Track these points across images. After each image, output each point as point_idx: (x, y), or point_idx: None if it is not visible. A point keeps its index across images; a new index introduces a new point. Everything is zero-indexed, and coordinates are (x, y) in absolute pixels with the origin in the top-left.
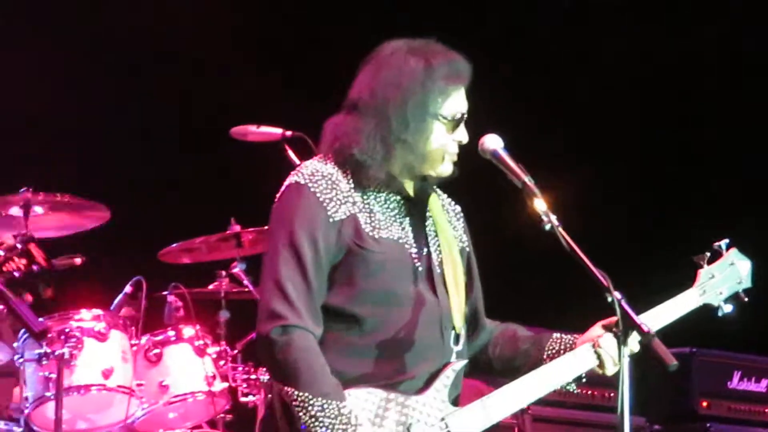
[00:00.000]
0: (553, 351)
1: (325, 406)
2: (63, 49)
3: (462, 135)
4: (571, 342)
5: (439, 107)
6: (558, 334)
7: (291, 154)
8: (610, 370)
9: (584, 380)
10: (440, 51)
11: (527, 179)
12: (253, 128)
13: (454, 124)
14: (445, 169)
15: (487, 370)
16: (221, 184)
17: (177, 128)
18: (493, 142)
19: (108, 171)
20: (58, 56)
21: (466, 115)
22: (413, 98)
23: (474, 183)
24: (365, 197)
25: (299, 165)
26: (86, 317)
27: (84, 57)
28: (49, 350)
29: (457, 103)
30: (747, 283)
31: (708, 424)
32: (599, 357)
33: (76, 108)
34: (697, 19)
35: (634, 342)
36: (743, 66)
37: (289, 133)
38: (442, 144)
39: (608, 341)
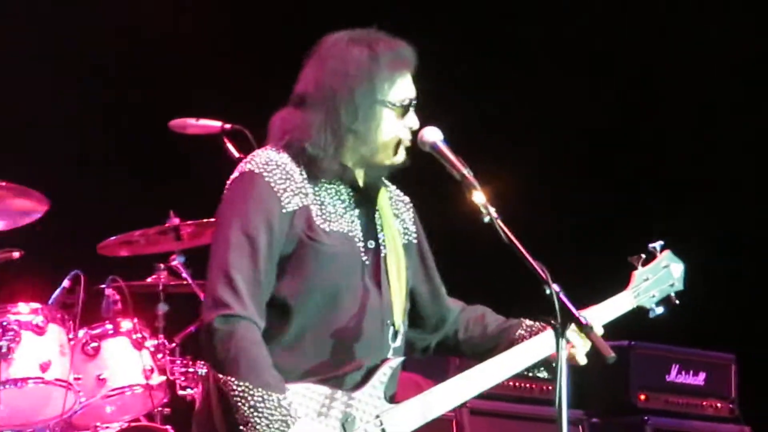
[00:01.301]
0: (522, 338)
1: (266, 397)
2: (5, 36)
3: (413, 121)
4: (538, 329)
5: (387, 94)
6: (529, 322)
7: (230, 147)
8: (581, 357)
9: (527, 383)
10: (383, 38)
11: (466, 172)
12: (192, 121)
13: (403, 110)
14: (398, 157)
15: (456, 353)
16: (160, 177)
17: (115, 120)
18: (432, 134)
19: (45, 163)
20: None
21: (415, 101)
22: (360, 87)
23: (417, 174)
24: (317, 189)
25: (251, 153)
26: (24, 311)
27: (25, 45)
28: None
29: (404, 88)
30: (679, 286)
31: (646, 417)
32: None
33: (13, 98)
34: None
35: (581, 353)
36: (698, 56)
37: (228, 126)
38: (394, 131)
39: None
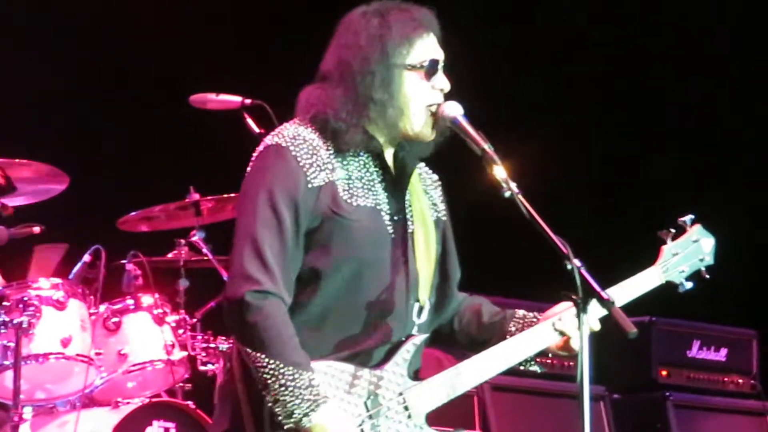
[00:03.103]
0: (516, 329)
1: (296, 376)
2: (22, 16)
3: (441, 82)
4: (533, 320)
5: (405, 57)
6: (522, 312)
7: (250, 122)
8: (576, 345)
9: (548, 359)
10: (395, 6)
11: (487, 146)
12: (212, 96)
13: (427, 71)
14: (424, 126)
15: (450, 342)
16: (180, 153)
17: (136, 96)
18: (452, 109)
19: (66, 139)
20: (17, 23)
21: (441, 62)
22: (374, 54)
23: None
24: (344, 163)
25: (279, 127)
26: (45, 286)
27: (43, 24)
28: (7, 318)
29: (424, 50)
30: (710, 260)
31: (667, 393)
32: (562, 333)
33: (34, 75)
34: None
35: (594, 320)
36: (712, 40)
37: (248, 101)
38: (419, 93)
39: (569, 317)
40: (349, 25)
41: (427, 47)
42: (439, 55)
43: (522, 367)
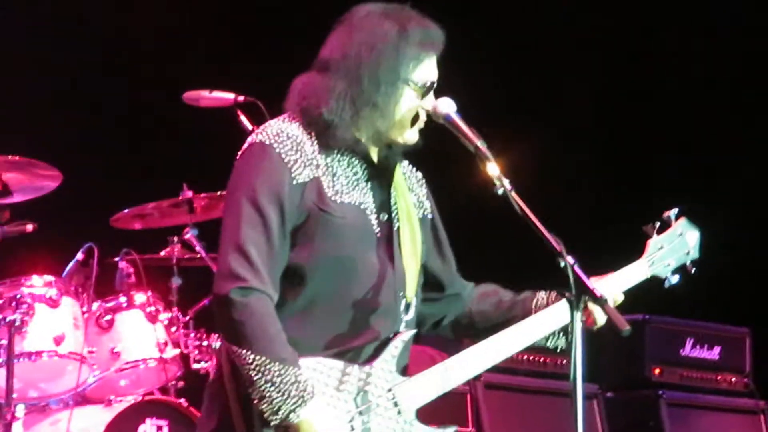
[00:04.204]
0: (539, 305)
1: (282, 371)
2: (13, 13)
3: (429, 103)
4: (555, 298)
5: (411, 72)
6: (544, 293)
7: (243, 119)
8: (600, 319)
9: (540, 357)
10: (415, 17)
11: (480, 143)
12: (205, 93)
13: (424, 91)
14: (412, 136)
15: (470, 330)
16: (173, 150)
17: (129, 93)
18: (446, 105)
19: (58, 136)
20: (14, 21)
21: (435, 84)
22: (386, 61)
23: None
24: (329, 160)
25: (263, 124)
26: (38, 283)
27: (34, 21)
28: None
29: (428, 70)
30: (695, 254)
31: (660, 391)
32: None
33: (28, 72)
34: None
35: (600, 313)
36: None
37: (241, 98)
38: (411, 110)
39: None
40: (366, 22)
41: (431, 69)
42: (436, 76)
43: (550, 345)
